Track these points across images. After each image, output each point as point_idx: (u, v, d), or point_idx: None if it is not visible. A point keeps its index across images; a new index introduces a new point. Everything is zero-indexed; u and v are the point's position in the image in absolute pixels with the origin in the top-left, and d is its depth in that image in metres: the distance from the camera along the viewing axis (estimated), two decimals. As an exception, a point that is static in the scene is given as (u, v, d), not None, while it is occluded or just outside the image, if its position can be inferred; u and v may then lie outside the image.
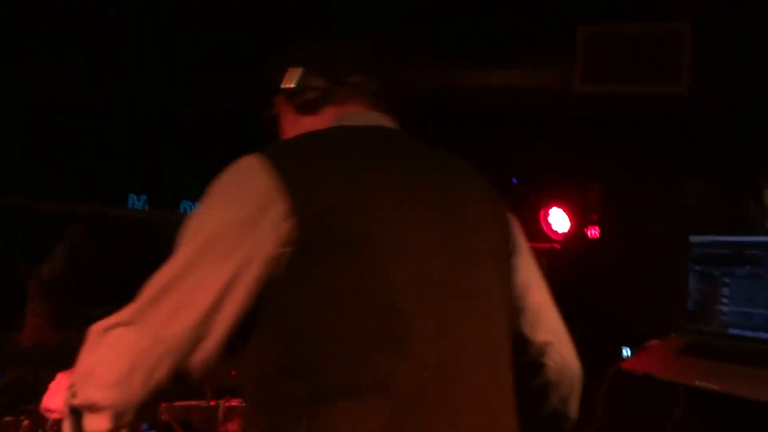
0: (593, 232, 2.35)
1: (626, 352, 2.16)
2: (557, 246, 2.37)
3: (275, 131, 1.23)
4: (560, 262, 2.34)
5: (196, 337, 0.87)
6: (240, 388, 0.97)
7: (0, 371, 1.93)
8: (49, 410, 1.25)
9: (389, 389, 0.85)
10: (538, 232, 2.42)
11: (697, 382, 1.53)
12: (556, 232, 2.41)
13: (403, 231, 0.94)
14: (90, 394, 0.88)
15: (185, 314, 0.87)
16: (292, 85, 1.16)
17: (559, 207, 2.37)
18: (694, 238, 1.87)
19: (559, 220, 2.37)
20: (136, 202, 3.95)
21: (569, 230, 2.34)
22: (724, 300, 1.77)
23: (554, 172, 2.55)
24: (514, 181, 2.52)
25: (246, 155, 0.95)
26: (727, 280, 1.77)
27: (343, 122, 1.13)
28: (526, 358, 1.10)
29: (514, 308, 1.08)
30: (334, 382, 0.85)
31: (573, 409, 1.17)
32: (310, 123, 1.15)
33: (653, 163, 2.35)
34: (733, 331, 1.75)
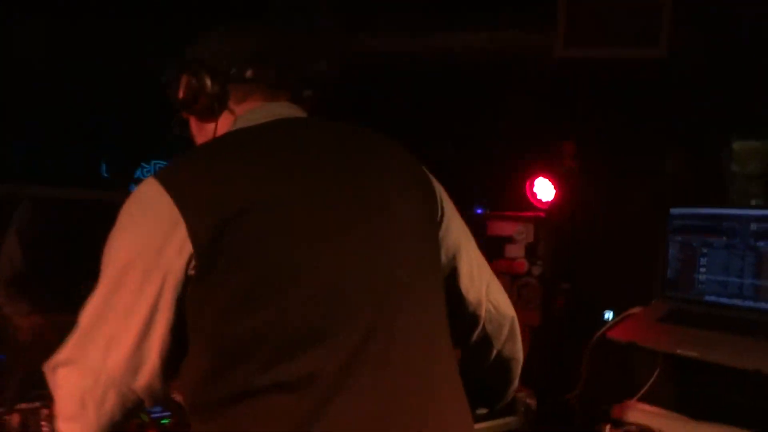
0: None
1: (609, 315, 2.27)
2: (542, 215, 2.45)
3: (189, 136, 1.23)
4: (546, 230, 2.42)
5: (135, 365, 0.92)
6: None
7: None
8: None
9: (314, 382, 0.88)
10: (524, 201, 2.49)
11: (678, 351, 1.64)
12: (541, 200, 2.48)
13: (309, 225, 0.95)
14: (59, 426, 0.98)
15: (117, 346, 0.92)
16: (180, 97, 1.15)
17: (545, 177, 2.44)
18: (675, 210, 1.95)
19: (544, 190, 2.44)
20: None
21: (554, 199, 2.41)
22: (702, 269, 1.87)
23: (537, 140, 2.60)
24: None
25: (145, 179, 0.97)
26: (705, 250, 1.87)
27: (241, 122, 1.11)
28: (463, 315, 1.17)
29: (448, 270, 1.14)
30: (260, 382, 0.89)
31: (518, 350, 1.26)
32: (212, 128, 1.15)
33: (634, 132, 2.41)
34: (709, 298, 1.86)
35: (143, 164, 3.48)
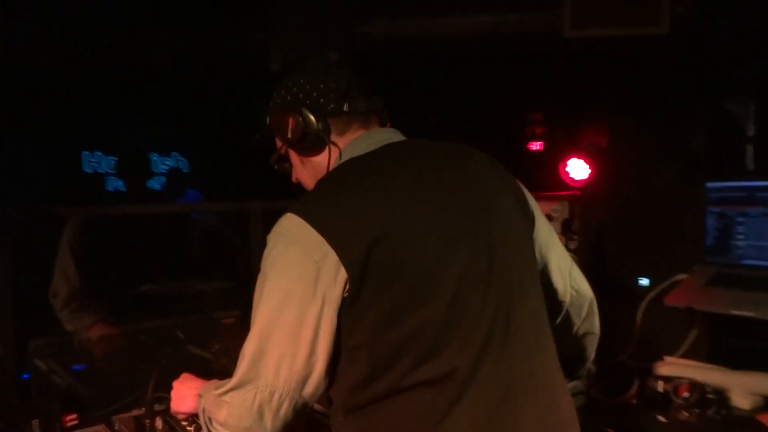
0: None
1: (644, 281, 2.48)
2: (577, 192, 2.64)
3: (288, 169, 1.37)
4: (582, 207, 2.61)
5: (303, 377, 1.09)
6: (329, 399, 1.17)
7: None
8: (180, 413, 1.45)
9: (452, 377, 1.06)
10: (559, 181, 2.68)
11: (733, 311, 1.86)
12: (574, 179, 2.66)
13: (437, 242, 1.11)
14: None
15: (288, 363, 1.07)
16: (290, 136, 1.26)
17: (578, 158, 2.62)
18: (710, 184, 2.16)
19: (578, 170, 2.62)
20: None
21: (588, 177, 2.60)
22: (740, 236, 2.09)
23: (568, 123, 2.77)
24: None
25: (284, 218, 1.11)
26: (740, 219, 2.09)
27: (349, 151, 1.25)
28: (552, 302, 1.32)
29: (541, 265, 1.30)
30: (408, 380, 1.06)
31: (596, 326, 1.43)
32: (317, 161, 1.29)
33: (657, 107, 2.59)
34: (747, 261, 2.08)
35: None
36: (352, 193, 1.13)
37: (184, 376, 1.52)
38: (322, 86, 1.27)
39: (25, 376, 1.88)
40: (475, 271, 1.12)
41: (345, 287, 1.07)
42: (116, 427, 1.62)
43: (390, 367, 1.06)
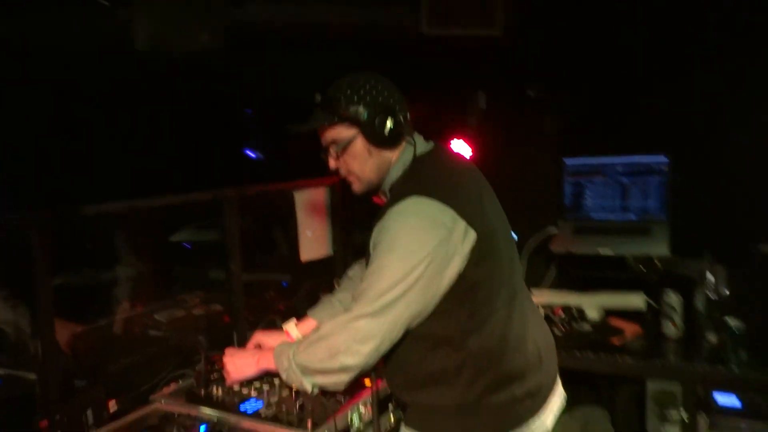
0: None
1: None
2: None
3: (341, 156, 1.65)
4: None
5: (421, 314, 1.54)
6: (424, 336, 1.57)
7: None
8: (238, 381, 1.78)
9: (501, 312, 1.60)
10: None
11: (600, 251, 2.64)
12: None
13: (497, 227, 1.63)
14: (345, 360, 1.52)
15: (416, 307, 1.51)
16: (386, 133, 1.58)
17: (459, 138, 3.22)
18: (567, 160, 2.93)
19: (462, 149, 3.23)
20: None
21: (471, 157, 3.23)
22: (588, 198, 2.89)
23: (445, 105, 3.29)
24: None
25: (413, 199, 1.50)
26: (589, 185, 2.89)
27: (420, 148, 1.64)
28: None
29: None
30: (487, 324, 1.58)
31: None
32: (388, 155, 1.64)
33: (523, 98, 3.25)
34: (595, 215, 2.90)
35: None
36: (456, 185, 1.58)
37: (230, 350, 1.83)
38: (396, 94, 1.63)
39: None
40: (510, 260, 1.67)
41: (471, 248, 1.50)
42: (163, 405, 1.82)
43: (481, 320, 1.57)
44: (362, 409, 1.73)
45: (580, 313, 2.77)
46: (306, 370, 1.56)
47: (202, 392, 1.80)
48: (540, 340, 1.72)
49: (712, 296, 2.51)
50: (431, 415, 1.64)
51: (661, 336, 2.53)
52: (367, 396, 1.76)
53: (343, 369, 1.52)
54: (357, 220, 3.03)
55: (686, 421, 2.27)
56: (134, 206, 2.04)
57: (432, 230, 1.49)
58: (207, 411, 1.69)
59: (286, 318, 1.97)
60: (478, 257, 1.53)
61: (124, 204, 1.92)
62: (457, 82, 3.41)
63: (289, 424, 1.61)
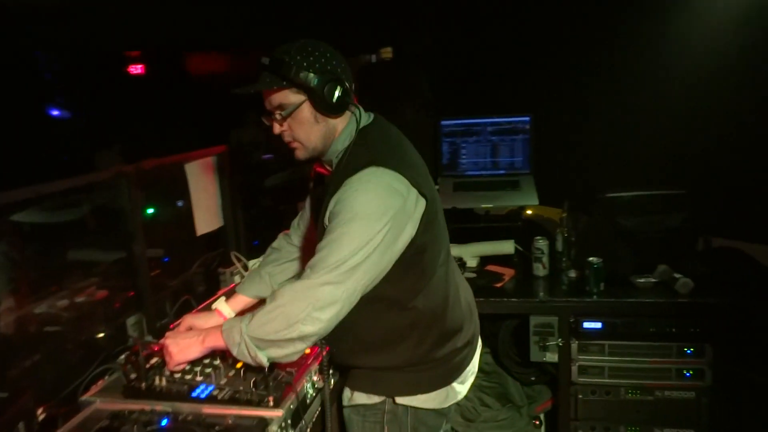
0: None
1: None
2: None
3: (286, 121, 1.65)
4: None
5: (375, 282, 1.63)
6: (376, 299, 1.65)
7: None
8: (182, 364, 1.73)
9: (440, 273, 1.77)
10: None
11: (482, 206, 2.91)
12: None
13: (436, 194, 1.77)
14: (304, 329, 1.52)
15: (373, 272, 1.59)
16: (334, 101, 1.58)
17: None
18: (444, 122, 3.14)
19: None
20: None
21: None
22: (464, 156, 3.15)
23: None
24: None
25: (371, 169, 1.55)
26: (464, 145, 3.14)
27: (364, 119, 1.70)
28: None
29: None
30: (430, 274, 1.73)
31: None
32: (334, 122, 1.65)
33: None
34: (469, 172, 3.17)
35: None
36: (399, 152, 1.66)
37: (170, 333, 1.78)
38: (343, 64, 1.64)
39: None
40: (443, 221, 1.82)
41: (422, 212, 1.60)
42: (101, 404, 1.70)
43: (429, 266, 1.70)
44: (315, 377, 1.79)
45: (462, 262, 3.05)
46: (261, 343, 1.55)
47: (143, 385, 1.73)
48: (467, 292, 1.91)
49: (572, 239, 2.93)
50: (380, 374, 1.76)
51: (532, 276, 2.90)
52: (313, 365, 1.82)
53: (301, 337, 1.53)
54: (246, 189, 2.98)
55: (560, 345, 2.67)
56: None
57: (390, 199, 1.56)
58: (157, 404, 1.63)
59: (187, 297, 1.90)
60: (426, 222, 1.63)
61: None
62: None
63: (250, 404, 1.62)
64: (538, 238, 2.89)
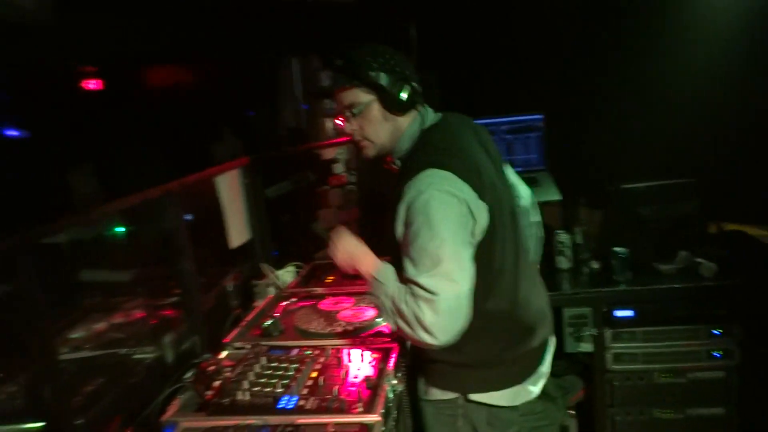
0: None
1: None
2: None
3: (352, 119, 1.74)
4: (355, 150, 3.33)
5: (471, 278, 1.62)
6: None
7: None
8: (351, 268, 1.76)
9: (508, 275, 1.79)
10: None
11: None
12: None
13: (503, 195, 1.77)
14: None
15: (463, 273, 1.55)
16: (405, 99, 1.66)
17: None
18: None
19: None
20: None
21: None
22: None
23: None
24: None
25: (429, 172, 1.55)
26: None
27: (430, 119, 1.75)
28: None
29: None
30: (499, 287, 1.74)
31: None
32: (402, 121, 1.73)
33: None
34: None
35: None
36: (467, 157, 1.66)
37: (339, 229, 1.84)
38: (411, 67, 1.70)
39: None
40: (514, 221, 1.83)
41: (486, 217, 1.61)
42: (188, 423, 1.68)
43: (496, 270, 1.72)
44: (394, 381, 1.80)
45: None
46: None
47: (226, 401, 1.70)
48: (539, 297, 1.94)
49: (590, 231, 3.02)
50: (454, 371, 1.79)
51: (555, 269, 2.97)
52: (390, 369, 1.82)
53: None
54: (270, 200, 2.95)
55: (596, 335, 2.74)
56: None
57: (454, 206, 1.56)
58: (246, 418, 1.61)
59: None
60: (489, 227, 1.65)
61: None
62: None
63: (341, 411, 1.62)
64: (559, 231, 2.96)
